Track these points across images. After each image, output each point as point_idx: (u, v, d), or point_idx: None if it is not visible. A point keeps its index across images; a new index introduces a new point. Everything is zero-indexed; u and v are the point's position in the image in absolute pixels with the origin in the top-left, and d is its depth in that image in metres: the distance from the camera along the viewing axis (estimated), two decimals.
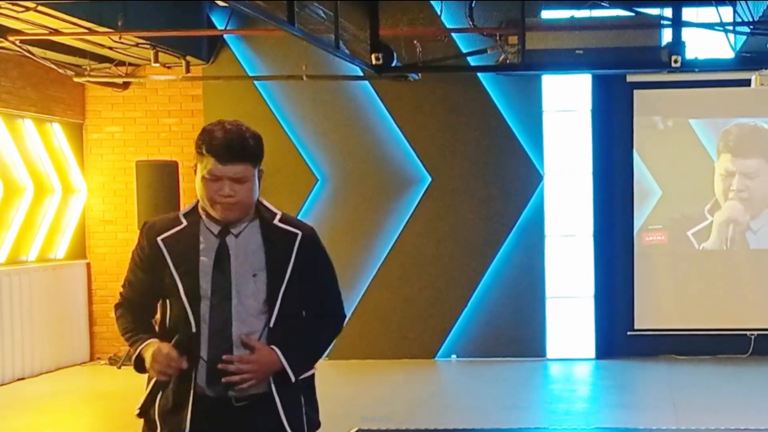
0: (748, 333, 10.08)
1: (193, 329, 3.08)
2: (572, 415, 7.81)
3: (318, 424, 3.33)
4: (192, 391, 3.09)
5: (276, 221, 3.18)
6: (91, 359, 10.62)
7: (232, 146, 3.04)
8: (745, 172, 10.08)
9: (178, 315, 3.11)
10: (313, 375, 3.31)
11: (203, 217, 3.14)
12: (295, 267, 3.15)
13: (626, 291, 10.23)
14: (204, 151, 3.04)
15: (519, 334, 10.15)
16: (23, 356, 9.55)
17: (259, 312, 3.11)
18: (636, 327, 10.23)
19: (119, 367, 9.97)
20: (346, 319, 3.39)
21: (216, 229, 3.12)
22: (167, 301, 3.17)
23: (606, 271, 10.19)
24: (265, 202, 3.23)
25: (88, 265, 10.68)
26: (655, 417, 7.55)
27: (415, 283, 10.27)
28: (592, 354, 10.08)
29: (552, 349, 10.13)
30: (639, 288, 10.22)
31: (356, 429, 7.17)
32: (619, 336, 10.25)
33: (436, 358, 10.27)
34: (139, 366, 3.17)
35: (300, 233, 3.19)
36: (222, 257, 3.10)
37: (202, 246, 3.11)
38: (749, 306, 10.14)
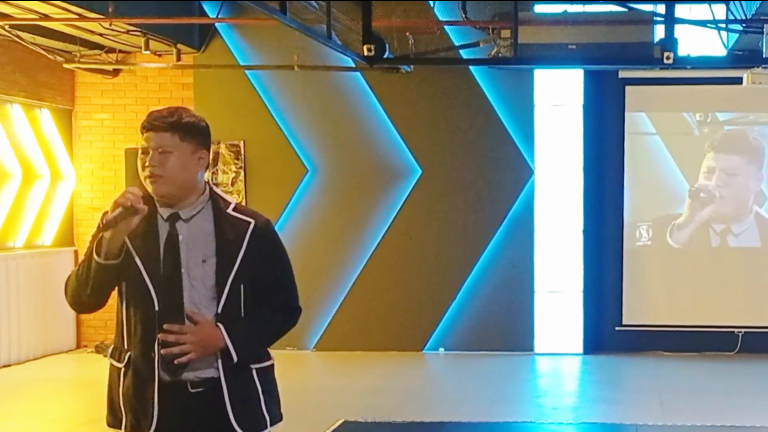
0: (735, 330, 10.10)
1: (156, 308, 3.08)
2: (559, 410, 7.82)
3: (280, 416, 3.31)
4: (157, 377, 3.09)
5: (229, 210, 3.21)
6: (78, 347, 10.60)
7: (158, 115, 3.12)
8: (724, 167, 10.11)
9: (139, 297, 3.10)
10: (271, 366, 3.29)
11: (156, 203, 3.17)
12: (246, 255, 3.16)
13: (615, 286, 10.25)
14: (141, 131, 3.15)
15: (507, 328, 10.15)
16: (9, 343, 9.51)
17: (209, 297, 3.12)
18: (624, 322, 10.24)
19: (105, 355, 9.94)
20: (301, 311, 3.35)
21: (166, 214, 3.15)
22: (122, 286, 3.15)
23: (595, 267, 10.20)
24: (220, 192, 3.27)
25: (76, 252, 10.64)
26: (641, 413, 7.57)
27: (403, 276, 10.26)
28: (580, 349, 10.09)
29: (540, 343, 10.14)
30: (627, 283, 10.23)
31: (342, 421, 7.16)
32: (607, 331, 10.26)
33: (423, 351, 10.26)
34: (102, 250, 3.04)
35: (253, 222, 3.21)
36: (171, 242, 3.12)
37: (159, 231, 3.14)
38: (737, 304, 10.16)
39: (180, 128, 3.10)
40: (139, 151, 3.14)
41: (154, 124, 3.10)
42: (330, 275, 10.08)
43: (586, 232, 10.11)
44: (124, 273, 3.11)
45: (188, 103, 10.32)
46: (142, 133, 3.14)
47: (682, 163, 10.19)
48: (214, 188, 3.25)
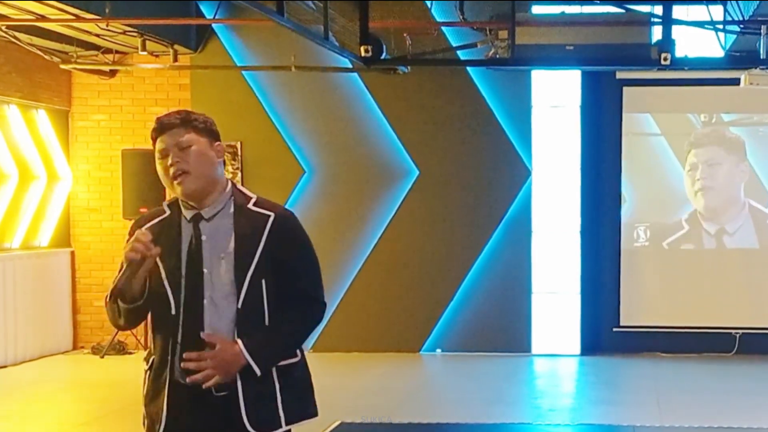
0: (733, 332, 10.10)
1: (173, 311, 3.10)
2: (556, 411, 7.82)
3: (309, 414, 3.32)
4: (168, 378, 3.11)
5: (250, 205, 3.20)
6: (74, 348, 10.57)
7: (167, 117, 3.14)
8: (705, 160, 10.13)
9: (159, 298, 3.12)
10: (296, 363, 3.27)
11: (181, 205, 3.19)
12: (265, 249, 3.14)
13: (612, 287, 10.24)
14: (153, 137, 3.14)
15: (504, 328, 10.14)
16: (6, 344, 9.49)
17: (228, 293, 3.11)
18: (621, 324, 10.23)
19: (102, 357, 9.93)
20: (326, 305, 3.34)
21: (189, 215, 3.16)
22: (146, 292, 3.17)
23: (592, 268, 10.20)
24: (242, 188, 3.27)
25: (73, 253, 10.62)
26: (639, 414, 7.56)
27: (400, 277, 10.25)
28: (577, 350, 10.08)
29: (537, 344, 10.12)
30: (625, 285, 10.22)
31: (339, 422, 7.15)
32: (604, 332, 10.25)
33: (420, 352, 10.25)
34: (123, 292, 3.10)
35: (272, 215, 3.19)
36: (194, 242, 3.13)
37: (182, 233, 3.15)
38: (735, 305, 10.16)
39: (191, 123, 3.13)
40: (157, 158, 3.13)
41: (166, 124, 3.12)
42: (327, 276, 9.95)
43: (583, 233, 10.10)
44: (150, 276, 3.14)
45: (185, 104, 10.31)
46: (155, 139, 3.13)
47: (683, 164, 10.18)
48: (236, 185, 3.26)
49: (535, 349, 10.12)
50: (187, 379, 3.05)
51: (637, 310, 10.24)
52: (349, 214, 10.25)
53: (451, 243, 10.20)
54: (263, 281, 3.14)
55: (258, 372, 3.09)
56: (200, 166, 3.10)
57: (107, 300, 3.15)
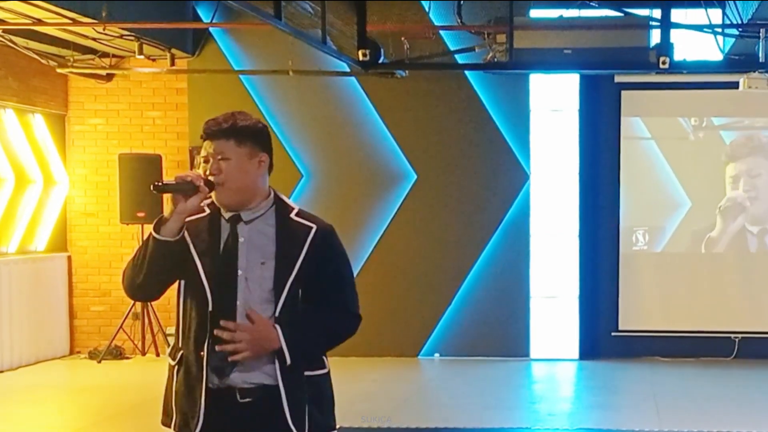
0: (732, 336, 10.08)
1: (210, 308, 3.10)
2: (555, 416, 7.79)
3: (331, 426, 3.32)
4: (205, 378, 3.09)
5: (292, 215, 3.23)
6: (71, 353, 10.53)
7: (213, 123, 3.14)
8: (746, 170, 10.12)
9: (195, 296, 3.13)
10: (324, 375, 3.28)
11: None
12: (305, 260, 3.16)
13: (611, 292, 10.22)
14: (202, 139, 3.17)
15: (503, 333, 10.12)
16: (2, 349, 9.45)
17: (264, 300, 3.13)
18: (620, 328, 10.21)
19: (99, 362, 9.90)
20: (361, 319, 3.35)
21: (228, 215, 3.18)
22: (181, 285, 3.18)
23: (591, 272, 10.18)
24: (284, 198, 3.29)
25: (69, 258, 10.59)
26: (637, 418, 7.54)
27: (399, 281, 10.23)
28: (576, 354, 10.06)
29: (536, 348, 10.10)
30: (623, 289, 10.20)
31: (338, 427, 7.11)
32: (603, 337, 10.23)
33: (419, 356, 10.23)
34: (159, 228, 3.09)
35: (315, 227, 3.22)
36: (231, 241, 3.15)
37: (221, 232, 3.17)
38: (734, 309, 10.14)
39: (234, 133, 3.12)
40: (201, 161, 3.18)
41: (210, 132, 3.13)
42: None
43: (581, 236, 10.09)
44: (183, 270, 3.14)
45: (182, 108, 10.31)
46: (202, 142, 3.18)
47: (678, 168, 10.18)
48: (279, 194, 3.27)
49: (533, 354, 10.10)
50: (216, 348, 3.06)
51: (636, 314, 10.22)
52: (347, 219, 10.21)
53: (449, 247, 10.18)
54: (300, 291, 3.17)
55: (288, 360, 3.09)
56: (236, 179, 3.12)
57: (134, 255, 3.15)
